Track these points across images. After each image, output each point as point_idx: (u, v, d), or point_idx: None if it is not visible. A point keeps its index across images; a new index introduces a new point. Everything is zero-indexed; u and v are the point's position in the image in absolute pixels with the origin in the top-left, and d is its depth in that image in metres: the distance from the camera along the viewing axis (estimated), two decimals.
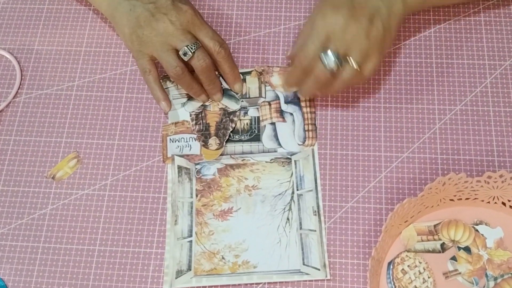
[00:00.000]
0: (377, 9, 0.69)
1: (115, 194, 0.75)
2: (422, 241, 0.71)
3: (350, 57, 0.68)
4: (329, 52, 0.68)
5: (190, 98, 0.79)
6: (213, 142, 0.76)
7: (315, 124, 0.77)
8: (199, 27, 0.74)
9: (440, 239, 0.71)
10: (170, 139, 0.77)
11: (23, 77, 0.82)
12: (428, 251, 0.70)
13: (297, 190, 0.74)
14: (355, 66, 0.68)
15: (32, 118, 0.80)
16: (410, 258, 0.70)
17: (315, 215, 0.72)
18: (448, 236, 0.71)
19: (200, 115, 0.78)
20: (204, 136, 0.77)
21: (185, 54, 0.72)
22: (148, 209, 0.74)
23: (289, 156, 0.76)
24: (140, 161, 0.77)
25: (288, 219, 0.73)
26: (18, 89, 0.81)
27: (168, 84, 0.80)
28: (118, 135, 0.78)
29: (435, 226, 0.71)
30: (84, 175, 0.76)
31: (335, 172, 0.75)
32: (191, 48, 0.72)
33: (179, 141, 0.77)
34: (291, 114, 0.78)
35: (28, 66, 0.83)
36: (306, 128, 0.77)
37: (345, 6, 0.68)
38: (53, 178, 0.76)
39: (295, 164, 0.75)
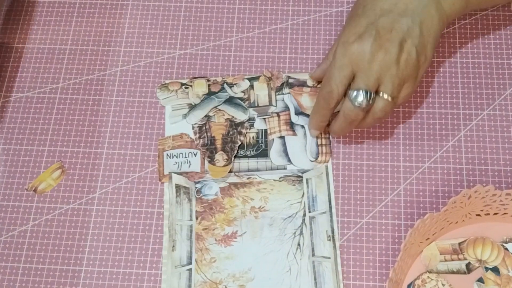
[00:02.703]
0: (408, 31, 0.66)
1: (104, 208, 0.75)
2: (446, 260, 0.71)
3: (382, 92, 0.67)
4: (358, 91, 0.66)
5: (192, 108, 0.79)
6: (220, 157, 0.76)
7: (329, 138, 0.77)
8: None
9: (465, 259, 0.70)
10: (167, 155, 0.77)
11: (1, 79, 0.82)
12: (452, 272, 0.70)
13: (309, 212, 0.74)
14: (387, 98, 0.67)
15: (11, 124, 0.80)
16: (432, 279, 0.70)
17: (329, 240, 0.72)
18: (474, 255, 0.70)
19: (204, 128, 0.78)
20: (209, 151, 0.77)
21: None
22: (140, 225, 0.74)
23: (300, 174, 0.76)
24: (132, 172, 0.77)
25: (299, 244, 0.73)
26: None
27: (167, 93, 0.80)
28: (107, 143, 0.78)
29: (459, 244, 0.71)
30: (69, 188, 0.76)
31: (348, 184, 0.75)
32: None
33: (177, 157, 0.77)
34: (303, 126, 0.78)
35: (6, 66, 0.83)
36: (319, 143, 0.77)
37: (368, 33, 0.66)
38: (34, 190, 0.76)
39: (307, 183, 0.75)
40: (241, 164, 0.76)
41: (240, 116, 0.79)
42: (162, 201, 0.75)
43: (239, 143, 0.77)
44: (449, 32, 0.81)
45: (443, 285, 0.69)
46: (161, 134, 0.78)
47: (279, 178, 0.76)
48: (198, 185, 0.76)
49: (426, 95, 0.78)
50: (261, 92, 0.80)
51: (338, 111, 0.70)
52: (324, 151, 0.76)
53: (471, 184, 0.74)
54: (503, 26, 0.81)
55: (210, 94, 0.80)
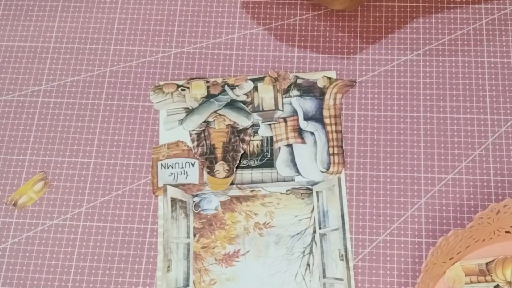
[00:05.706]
0: None
1: (91, 224, 0.75)
2: (472, 282, 0.70)
3: None
4: None
5: (189, 113, 0.79)
6: (220, 168, 0.76)
7: (341, 146, 0.77)
8: None
9: (493, 281, 0.70)
10: (162, 165, 0.77)
11: None
12: None
13: (320, 228, 0.74)
14: None
15: None
16: None
17: (342, 260, 0.72)
18: (504, 276, 0.70)
19: (202, 135, 0.78)
20: (209, 161, 0.77)
21: None
22: (132, 243, 0.74)
23: (309, 187, 0.76)
24: (122, 184, 0.77)
25: (308, 265, 0.73)
26: None
27: (161, 96, 0.80)
28: (95, 152, 0.78)
29: (487, 264, 0.71)
30: (53, 201, 0.76)
31: (363, 197, 0.75)
32: None
33: (172, 167, 0.77)
34: (312, 133, 0.77)
35: None
36: (330, 151, 0.77)
37: None
38: (14, 205, 0.76)
39: (317, 196, 0.75)
40: (244, 175, 0.76)
41: (242, 121, 0.79)
42: (156, 217, 0.75)
43: (242, 152, 0.77)
44: (476, 29, 0.81)
45: None
46: (155, 142, 0.78)
47: (286, 191, 0.76)
48: (196, 199, 0.76)
49: (450, 99, 0.78)
50: (266, 94, 0.80)
51: None
52: (336, 161, 0.76)
53: (500, 197, 0.74)
54: None
55: (209, 97, 0.80)
